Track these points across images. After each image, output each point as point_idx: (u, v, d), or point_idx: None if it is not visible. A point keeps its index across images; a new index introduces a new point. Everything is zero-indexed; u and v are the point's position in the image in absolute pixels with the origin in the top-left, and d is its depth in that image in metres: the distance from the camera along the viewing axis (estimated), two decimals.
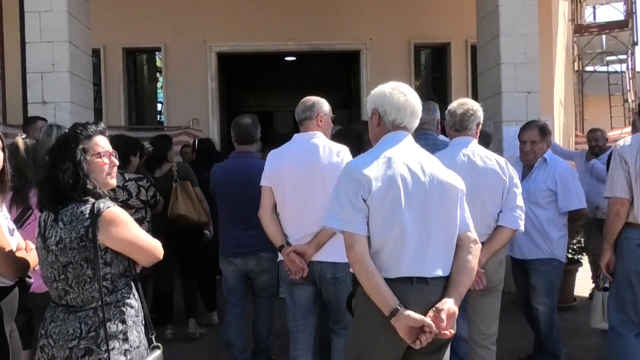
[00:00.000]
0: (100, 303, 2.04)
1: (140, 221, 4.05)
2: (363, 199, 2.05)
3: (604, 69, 12.45)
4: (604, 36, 11.69)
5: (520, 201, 3.05)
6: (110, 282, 2.07)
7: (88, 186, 2.06)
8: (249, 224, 3.46)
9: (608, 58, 12.19)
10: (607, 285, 3.76)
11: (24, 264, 2.37)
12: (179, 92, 9.20)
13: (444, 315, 2.01)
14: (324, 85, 10.21)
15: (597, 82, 12.11)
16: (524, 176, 3.80)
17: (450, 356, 2.28)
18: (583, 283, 5.92)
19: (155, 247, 2.19)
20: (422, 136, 3.86)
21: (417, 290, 2.05)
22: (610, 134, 7.91)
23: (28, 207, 2.89)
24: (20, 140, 3.01)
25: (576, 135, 10.41)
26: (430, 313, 2.02)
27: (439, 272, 2.09)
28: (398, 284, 2.04)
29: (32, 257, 2.36)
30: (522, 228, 3.07)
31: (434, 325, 1.98)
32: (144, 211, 4.40)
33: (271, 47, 9.38)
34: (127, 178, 4.31)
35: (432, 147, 3.50)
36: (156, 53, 9.77)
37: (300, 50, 9.58)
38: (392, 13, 9.16)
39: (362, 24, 9.18)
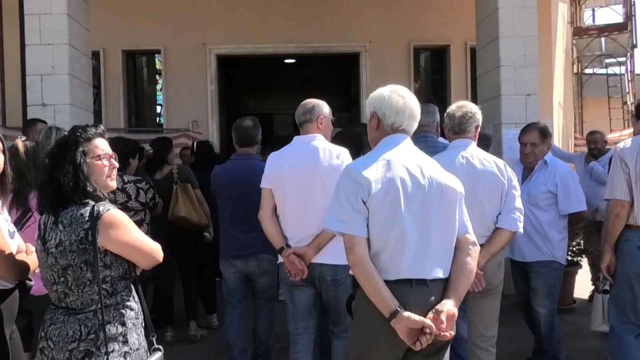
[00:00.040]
0: (100, 305, 2.04)
1: (139, 223, 4.05)
2: (363, 201, 2.06)
3: (603, 71, 12.45)
4: (603, 39, 11.70)
5: (519, 203, 3.05)
6: (110, 285, 2.07)
7: (88, 189, 2.07)
8: (249, 226, 3.46)
9: (607, 60, 12.20)
10: (606, 287, 3.77)
11: (24, 267, 2.37)
12: (178, 95, 9.21)
13: (443, 317, 2.01)
14: (324, 88, 10.22)
15: (596, 85, 12.12)
16: (524, 178, 3.80)
17: (452, 357, 2.28)
18: (582, 285, 5.92)
19: (154, 249, 2.19)
20: (422, 138, 3.86)
21: (417, 292, 2.06)
22: (610, 137, 7.92)
23: (28, 210, 2.89)
24: (20, 142, 3.02)
25: (575, 138, 10.41)
26: (430, 315, 2.02)
27: (439, 274, 2.10)
28: (397, 286, 2.04)
29: (32, 259, 2.36)
30: (521, 230, 3.08)
31: (434, 326, 1.99)
32: (143, 213, 4.40)
33: (271, 49, 9.39)
34: (126, 180, 4.31)
35: (432, 149, 3.51)
36: (156, 55, 9.78)
37: (300, 53, 9.59)
38: (392, 15, 9.18)
39: (361, 26, 9.19)
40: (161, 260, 2.22)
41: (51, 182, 2.08)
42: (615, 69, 12.35)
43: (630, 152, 3.25)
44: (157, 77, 10.05)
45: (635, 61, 11.72)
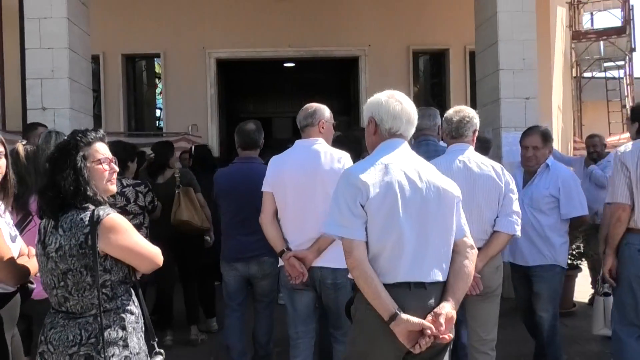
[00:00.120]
0: (100, 310, 2.03)
1: (138, 227, 4.05)
2: (361, 205, 2.07)
3: (602, 75, 12.48)
4: (601, 42, 11.73)
5: (516, 207, 3.07)
6: (110, 289, 2.07)
7: (88, 193, 2.07)
8: (251, 229, 3.46)
9: (606, 64, 12.23)
10: (607, 290, 3.77)
11: (24, 271, 2.37)
12: (178, 98, 9.22)
13: (442, 320, 2.02)
14: (323, 92, 10.23)
15: (595, 88, 12.15)
16: (525, 182, 3.79)
17: None
18: (582, 289, 5.92)
19: (154, 253, 2.19)
20: (423, 142, 3.86)
21: (415, 295, 2.07)
22: (609, 140, 7.93)
23: (28, 213, 2.90)
24: (21, 146, 3.02)
25: (574, 141, 10.43)
26: (429, 317, 2.03)
27: (437, 277, 2.11)
28: (396, 289, 2.05)
29: (33, 263, 2.36)
30: (519, 233, 3.09)
31: (433, 328, 2.00)
32: (142, 217, 4.40)
33: (270, 53, 9.41)
34: (125, 184, 4.31)
35: (433, 153, 3.51)
36: (155, 59, 9.80)
37: (299, 57, 9.61)
38: (391, 19, 9.20)
39: (361, 30, 9.21)
40: (161, 264, 2.22)
41: (51, 186, 2.08)
42: (614, 73, 12.39)
43: (631, 155, 3.27)
44: (157, 81, 10.07)
45: (633, 65, 11.80)
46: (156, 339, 2.21)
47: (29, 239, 2.55)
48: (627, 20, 11.42)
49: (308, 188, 3.02)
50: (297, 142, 3.22)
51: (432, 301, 2.08)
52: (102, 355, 2.00)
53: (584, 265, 5.90)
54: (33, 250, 2.43)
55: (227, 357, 3.84)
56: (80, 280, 2.03)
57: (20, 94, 5.71)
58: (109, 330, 2.04)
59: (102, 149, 2.18)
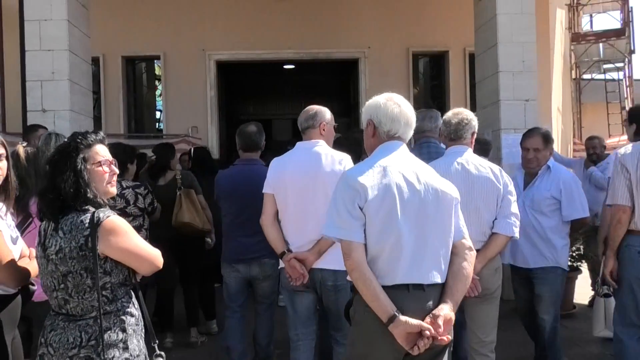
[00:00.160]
0: (100, 312, 2.03)
1: (137, 229, 4.05)
2: (360, 207, 2.08)
3: (601, 76, 12.50)
4: (601, 44, 11.75)
5: (514, 208, 3.07)
6: (110, 292, 2.07)
7: (88, 195, 2.07)
8: (252, 231, 3.47)
9: (605, 66, 12.25)
10: (607, 292, 3.77)
11: (25, 273, 2.37)
12: (178, 100, 9.22)
13: (440, 321, 2.03)
14: (323, 93, 10.24)
15: (595, 90, 12.16)
16: (526, 184, 3.79)
17: None
18: (582, 290, 5.92)
19: (154, 256, 2.19)
20: (425, 144, 3.86)
21: (414, 297, 2.07)
22: (608, 142, 7.95)
23: (28, 215, 2.90)
24: (21, 148, 3.02)
25: (574, 143, 10.44)
26: (427, 319, 2.04)
27: (435, 279, 2.12)
28: (395, 291, 2.06)
29: (33, 265, 2.36)
30: (517, 235, 3.09)
31: (432, 329, 2.00)
32: (141, 219, 4.40)
33: (270, 55, 9.42)
34: (124, 186, 4.31)
35: (435, 155, 3.51)
36: (155, 61, 9.81)
37: (299, 59, 9.62)
38: (391, 21, 9.21)
39: (360, 32, 9.22)
40: (161, 266, 2.22)
41: (52, 188, 2.08)
42: (613, 75, 12.41)
43: (631, 157, 3.28)
44: (157, 82, 10.08)
45: (633, 67, 11.78)
46: (157, 341, 2.21)
47: (29, 241, 2.55)
48: (627, 22, 11.44)
49: (309, 190, 3.03)
50: (298, 144, 3.23)
51: (430, 303, 2.09)
52: (102, 358, 2.00)
53: (584, 267, 5.89)
54: (34, 252, 2.43)
55: (227, 359, 3.84)
56: (80, 282, 2.03)
57: (20, 96, 5.71)
58: (109, 332, 2.04)
59: (102, 151, 2.18)
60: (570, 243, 3.95)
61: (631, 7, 11.54)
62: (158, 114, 10.09)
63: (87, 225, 2.02)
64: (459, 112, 3.21)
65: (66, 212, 2.06)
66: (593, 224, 5.50)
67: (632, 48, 11.52)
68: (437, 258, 2.14)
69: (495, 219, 3.05)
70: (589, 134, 6.93)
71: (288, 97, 12.70)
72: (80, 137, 2.15)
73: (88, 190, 2.07)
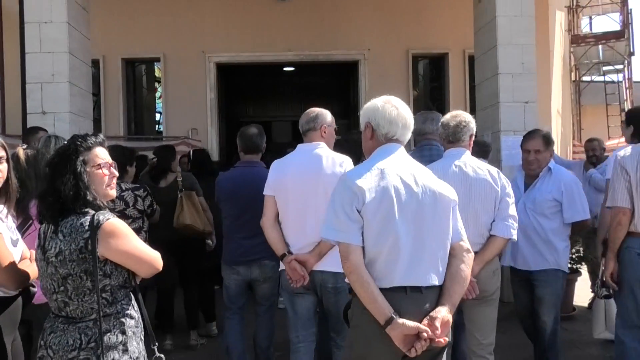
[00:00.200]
0: (100, 314, 2.03)
1: (137, 231, 4.04)
2: (357, 210, 2.09)
3: (601, 78, 12.51)
4: (600, 46, 11.76)
5: (512, 211, 3.07)
6: (110, 294, 2.07)
7: (88, 198, 2.07)
8: (253, 232, 3.47)
9: (605, 68, 12.26)
10: (606, 293, 3.77)
11: (25, 276, 2.37)
12: (177, 102, 9.23)
13: (438, 323, 2.04)
14: (323, 95, 10.26)
15: (594, 92, 12.17)
16: (527, 186, 3.78)
17: None
18: (582, 293, 5.92)
19: (154, 258, 2.19)
20: (426, 146, 3.85)
21: (411, 299, 2.08)
22: (608, 144, 7.93)
23: (28, 218, 2.89)
24: (21, 150, 3.02)
25: (574, 145, 10.44)
26: (425, 321, 2.05)
27: (433, 281, 2.13)
28: (392, 294, 2.07)
29: (33, 268, 2.36)
30: (515, 237, 3.09)
31: (429, 331, 2.01)
32: (141, 221, 4.41)
33: (270, 57, 9.43)
34: (123, 188, 4.31)
35: (436, 157, 3.51)
36: (155, 63, 9.81)
37: (299, 61, 9.63)
38: (391, 23, 9.22)
39: (360, 34, 9.23)
40: (161, 268, 2.22)
41: (51, 191, 2.08)
42: (613, 77, 12.42)
43: (631, 160, 3.28)
44: (157, 84, 10.08)
45: (632, 68, 11.80)
46: (156, 344, 2.21)
47: (28, 244, 2.55)
48: (626, 24, 11.45)
49: (310, 192, 3.03)
50: (299, 146, 3.24)
51: (428, 305, 2.09)
52: None
53: (584, 269, 5.89)
54: (34, 255, 2.43)
55: (227, 358, 3.83)
56: (80, 285, 2.03)
57: (20, 98, 5.72)
58: (108, 334, 2.04)
59: (102, 154, 2.18)
60: (570, 245, 3.94)
61: (630, 9, 11.55)
62: (158, 116, 10.10)
63: (87, 227, 2.02)
64: (457, 115, 3.22)
65: (66, 214, 2.07)
66: (593, 226, 5.50)
67: (631, 50, 11.53)
68: (435, 260, 2.15)
69: (493, 221, 3.06)
70: (588, 136, 6.93)
71: (288, 99, 12.71)
72: (80, 139, 2.15)
73: (88, 192, 2.07)
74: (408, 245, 2.09)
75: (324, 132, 3.20)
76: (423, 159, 3.47)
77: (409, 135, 2.31)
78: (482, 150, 5.62)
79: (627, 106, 11.29)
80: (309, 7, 9.12)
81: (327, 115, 3.25)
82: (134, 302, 2.17)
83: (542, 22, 8.48)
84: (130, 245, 2.09)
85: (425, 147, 3.85)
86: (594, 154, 6.13)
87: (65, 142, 2.23)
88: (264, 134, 3.84)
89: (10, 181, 2.46)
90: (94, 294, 2.03)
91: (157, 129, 10.04)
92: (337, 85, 11.50)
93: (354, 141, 4.02)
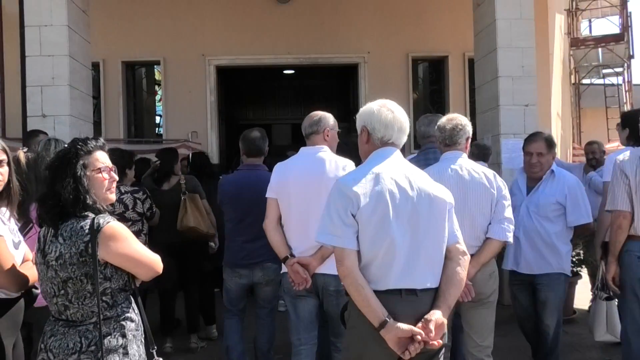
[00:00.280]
0: (100, 318, 2.03)
1: (137, 234, 4.04)
2: (352, 215, 2.10)
3: (601, 81, 12.52)
4: (600, 49, 11.78)
5: (508, 213, 3.08)
6: (110, 297, 2.07)
7: (88, 201, 2.07)
8: (256, 235, 3.49)
9: (604, 71, 12.27)
10: (607, 295, 3.76)
11: (26, 279, 2.37)
12: (177, 105, 9.23)
13: (432, 326, 2.04)
14: (323, 98, 10.28)
15: (594, 95, 12.18)
16: (529, 189, 3.77)
17: None
18: (582, 296, 5.90)
19: (154, 261, 2.20)
20: (431, 149, 3.83)
21: (406, 302, 2.09)
22: (608, 147, 7.93)
23: (28, 221, 2.89)
24: (22, 153, 3.02)
25: (574, 148, 10.45)
26: (419, 324, 2.06)
27: (428, 284, 2.14)
28: (387, 296, 2.08)
29: (33, 271, 2.36)
30: (511, 240, 3.10)
31: (423, 334, 2.02)
32: (140, 223, 4.41)
33: (270, 60, 9.44)
34: (123, 191, 4.32)
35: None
36: (155, 66, 9.82)
37: (299, 64, 9.64)
38: (391, 26, 9.23)
39: (360, 37, 9.24)
40: (161, 271, 2.22)
41: (51, 194, 2.08)
42: (613, 79, 12.44)
43: (630, 163, 3.29)
44: (157, 87, 10.09)
45: (632, 71, 11.81)
46: (155, 348, 2.21)
47: (29, 247, 2.55)
48: (626, 27, 11.48)
49: (312, 195, 3.03)
50: (302, 149, 3.25)
51: (423, 308, 2.10)
52: None
53: (584, 272, 5.89)
54: None
55: (226, 358, 3.83)
56: (80, 288, 2.03)
57: (21, 101, 5.72)
58: (108, 337, 2.04)
59: (102, 158, 2.18)
60: (572, 248, 3.94)
61: (630, 12, 11.58)
62: (158, 119, 10.10)
63: (87, 231, 2.02)
64: (454, 118, 3.22)
65: (66, 218, 2.07)
66: (593, 229, 5.50)
67: (631, 53, 11.55)
68: (431, 263, 2.16)
69: (489, 223, 3.06)
70: (588, 139, 6.93)
71: (288, 102, 12.72)
72: (80, 143, 2.15)
73: (87, 196, 2.07)
74: (403, 248, 2.10)
75: (327, 135, 3.21)
76: (427, 162, 3.48)
77: (404, 139, 2.31)
78: (482, 153, 5.64)
79: (627, 109, 11.30)
80: (309, 10, 9.13)
81: (329, 118, 3.26)
82: (134, 305, 2.17)
83: (542, 25, 8.49)
84: (130, 249, 2.09)
85: (430, 151, 3.84)
86: (594, 157, 6.13)
87: (66, 146, 2.23)
88: (267, 137, 3.86)
89: (12, 184, 2.47)
90: (94, 297, 2.03)
91: (157, 132, 10.05)
92: (337, 88, 11.51)
93: (353, 144, 4.01)
